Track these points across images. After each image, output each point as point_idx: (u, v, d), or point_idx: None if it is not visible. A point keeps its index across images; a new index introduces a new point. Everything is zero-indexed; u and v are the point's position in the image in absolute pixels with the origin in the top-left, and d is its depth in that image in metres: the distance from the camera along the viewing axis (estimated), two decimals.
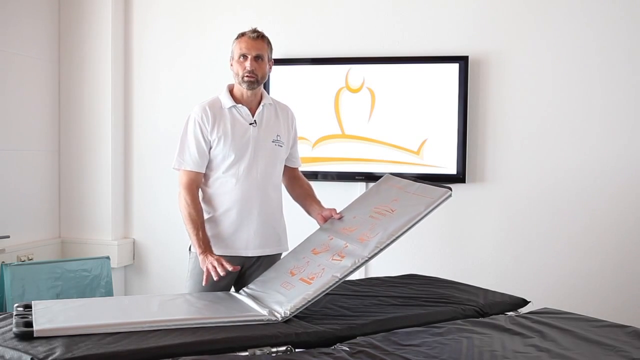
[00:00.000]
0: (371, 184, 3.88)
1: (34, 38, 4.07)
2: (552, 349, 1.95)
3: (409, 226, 2.35)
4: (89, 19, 4.19)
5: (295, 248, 2.58)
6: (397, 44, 3.88)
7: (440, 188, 2.48)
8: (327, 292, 2.24)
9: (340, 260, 2.30)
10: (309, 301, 2.20)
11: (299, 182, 2.84)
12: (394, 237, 2.32)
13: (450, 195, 2.43)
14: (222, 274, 2.39)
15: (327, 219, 2.66)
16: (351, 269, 2.25)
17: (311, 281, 2.27)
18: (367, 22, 3.93)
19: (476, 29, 3.78)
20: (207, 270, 2.43)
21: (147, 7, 4.26)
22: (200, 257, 2.49)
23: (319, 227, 2.69)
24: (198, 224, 2.55)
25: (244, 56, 2.58)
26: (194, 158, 2.60)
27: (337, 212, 2.65)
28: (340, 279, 2.24)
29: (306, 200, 2.79)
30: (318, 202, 2.76)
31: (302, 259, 2.45)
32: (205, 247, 2.51)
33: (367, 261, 2.28)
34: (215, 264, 2.41)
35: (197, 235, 2.53)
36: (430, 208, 2.39)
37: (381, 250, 2.30)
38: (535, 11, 3.70)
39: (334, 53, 3.94)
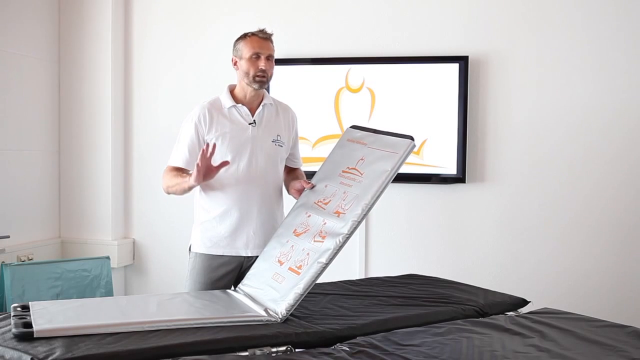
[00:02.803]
0: None
1: (34, 38, 4.07)
2: (552, 349, 1.95)
3: (379, 192, 2.35)
4: (89, 19, 4.19)
5: (277, 231, 2.58)
6: (397, 44, 3.88)
7: (402, 139, 2.45)
8: (316, 281, 2.25)
9: (322, 242, 2.31)
10: (302, 295, 2.22)
11: (294, 172, 2.84)
12: (368, 208, 2.33)
13: (413, 146, 2.42)
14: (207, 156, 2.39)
15: (301, 191, 2.64)
16: (334, 251, 2.26)
17: (299, 270, 2.29)
18: (367, 22, 3.93)
19: (476, 29, 3.78)
20: (202, 161, 2.39)
21: (147, 8, 4.26)
22: (192, 177, 2.44)
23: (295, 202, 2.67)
24: (177, 174, 2.56)
25: (257, 55, 2.59)
26: (183, 156, 2.62)
27: (308, 182, 2.62)
28: (326, 264, 2.25)
29: (289, 183, 2.76)
30: (294, 179, 2.75)
31: (286, 243, 2.46)
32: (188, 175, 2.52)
33: (347, 239, 2.29)
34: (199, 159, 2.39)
35: (179, 178, 2.55)
36: (397, 165, 2.38)
37: (359, 223, 2.31)
38: (534, 11, 3.70)
39: (334, 53, 3.94)
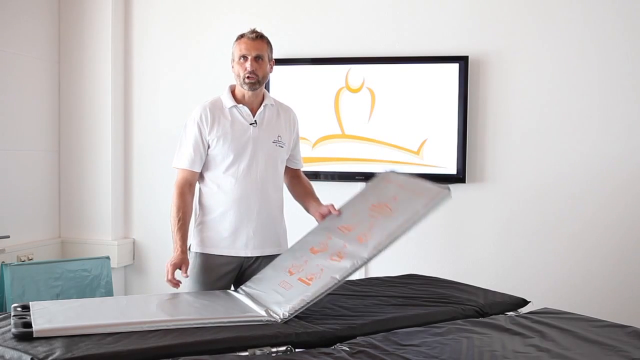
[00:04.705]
0: None
1: (34, 38, 4.07)
2: (552, 349, 1.95)
3: (406, 227, 2.34)
4: (89, 19, 4.19)
5: (293, 246, 2.58)
6: (397, 44, 3.88)
7: (439, 188, 2.47)
8: (325, 293, 2.23)
9: (339, 261, 2.29)
10: (308, 303, 2.20)
11: (300, 181, 2.85)
12: (392, 239, 2.31)
13: (449, 195, 2.42)
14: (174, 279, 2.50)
15: (325, 216, 2.66)
16: (350, 271, 2.25)
17: (310, 282, 2.27)
18: (367, 22, 3.93)
19: (476, 29, 3.78)
20: (173, 267, 2.51)
21: (147, 7, 4.26)
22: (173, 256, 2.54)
23: (316, 224, 2.68)
24: (175, 224, 2.57)
25: (244, 57, 2.58)
26: (189, 157, 2.61)
27: (335, 208, 2.64)
28: (340, 281, 2.24)
29: (305, 198, 2.79)
30: (317, 200, 2.76)
31: (300, 257, 2.44)
32: (177, 247, 2.55)
33: (365, 263, 2.27)
34: (171, 269, 2.50)
35: (173, 234, 2.57)
36: (429, 208, 2.38)
37: (380, 251, 2.30)
38: (535, 11, 3.70)
39: (334, 53, 3.94)
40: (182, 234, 2.56)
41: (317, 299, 2.22)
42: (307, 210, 2.78)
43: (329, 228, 2.55)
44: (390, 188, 2.59)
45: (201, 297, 2.42)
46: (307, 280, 2.28)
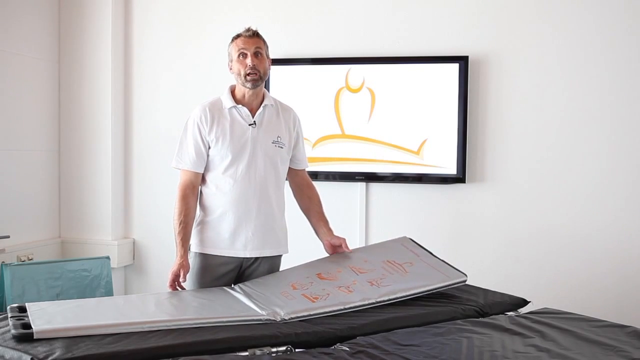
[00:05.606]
0: (371, 184, 3.91)
1: (34, 38, 4.07)
2: (552, 349, 1.95)
3: (422, 290, 2.41)
4: (89, 19, 4.19)
5: (297, 266, 2.60)
6: (397, 44, 3.88)
7: (456, 270, 2.55)
8: (328, 315, 2.24)
9: (348, 294, 2.33)
10: (311, 315, 2.22)
11: (308, 193, 2.82)
12: (404, 295, 2.37)
13: (464, 282, 2.51)
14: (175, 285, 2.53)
15: (335, 247, 2.70)
16: (357, 304, 2.29)
17: (315, 300, 2.29)
18: (367, 22, 3.93)
19: (476, 29, 3.78)
20: (173, 275, 2.53)
21: (147, 7, 4.26)
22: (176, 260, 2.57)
23: (326, 254, 2.73)
24: (177, 227, 2.59)
25: (243, 54, 2.58)
26: (191, 158, 2.61)
27: (347, 245, 2.69)
28: (344, 309, 2.27)
29: (314, 217, 2.79)
30: (326, 224, 2.77)
31: (305, 277, 2.47)
32: (177, 251, 2.57)
33: (372, 305, 2.31)
34: (171, 277, 2.52)
35: (175, 237, 2.60)
36: (443, 285, 2.46)
37: (390, 301, 2.34)
38: (535, 11, 3.70)
39: (334, 53, 3.94)
40: (182, 237, 2.57)
41: (318, 317, 2.23)
42: (316, 232, 2.79)
43: (339, 263, 2.59)
44: (407, 254, 2.65)
45: (200, 295, 2.42)
46: (311, 298, 2.31)
